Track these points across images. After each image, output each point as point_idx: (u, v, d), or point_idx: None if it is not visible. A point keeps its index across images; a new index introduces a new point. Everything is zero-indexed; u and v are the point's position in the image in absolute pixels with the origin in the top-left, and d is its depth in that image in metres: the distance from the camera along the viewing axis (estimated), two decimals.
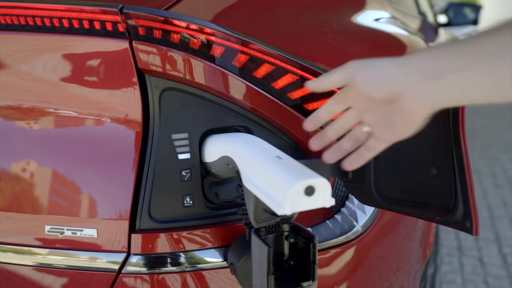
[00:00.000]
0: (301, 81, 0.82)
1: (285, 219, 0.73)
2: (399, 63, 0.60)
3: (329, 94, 0.85)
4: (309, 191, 0.61)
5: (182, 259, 0.78)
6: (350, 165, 0.70)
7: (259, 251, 0.69)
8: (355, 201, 0.92)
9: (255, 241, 0.71)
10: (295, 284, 0.70)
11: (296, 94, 0.83)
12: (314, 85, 0.67)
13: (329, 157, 0.72)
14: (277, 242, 0.73)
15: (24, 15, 0.76)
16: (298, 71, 0.82)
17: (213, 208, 0.81)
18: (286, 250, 0.73)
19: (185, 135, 0.78)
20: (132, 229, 0.77)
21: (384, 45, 1.25)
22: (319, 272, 0.84)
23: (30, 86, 0.79)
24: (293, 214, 0.74)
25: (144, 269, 0.77)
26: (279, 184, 0.63)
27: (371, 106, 0.64)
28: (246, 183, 0.69)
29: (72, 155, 0.79)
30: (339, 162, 0.82)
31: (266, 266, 0.68)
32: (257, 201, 0.68)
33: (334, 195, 0.92)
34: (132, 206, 0.77)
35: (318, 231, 0.86)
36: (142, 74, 0.76)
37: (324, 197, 0.63)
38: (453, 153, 0.63)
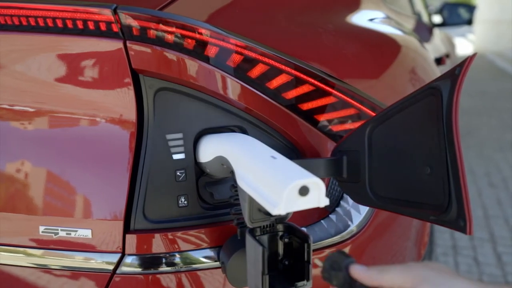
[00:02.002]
0: (296, 81, 0.82)
1: (280, 219, 0.73)
2: None
3: (323, 93, 0.86)
4: (304, 191, 0.61)
5: (177, 259, 0.78)
6: None
7: (254, 251, 0.70)
8: (350, 201, 0.92)
9: (249, 241, 0.71)
10: (289, 284, 0.70)
11: (291, 94, 0.83)
12: (364, 275, 0.60)
13: None
14: (271, 242, 0.73)
15: (18, 15, 0.76)
16: (293, 71, 0.82)
17: (208, 208, 0.81)
18: (281, 250, 0.73)
19: (179, 135, 0.78)
20: (126, 230, 0.77)
21: (379, 45, 1.26)
22: (314, 272, 0.84)
23: (24, 86, 0.79)
24: (287, 214, 0.74)
25: (139, 270, 0.77)
26: (273, 184, 0.63)
27: None
28: (241, 183, 0.69)
29: (67, 155, 0.79)
30: (333, 162, 0.82)
31: (261, 266, 0.68)
32: (251, 201, 0.69)
33: (328, 195, 0.92)
34: (127, 206, 0.77)
35: (313, 231, 0.86)
36: (136, 74, 0.75)
37: (318, 197, 0.63)
38: (447, 152, 0.64)
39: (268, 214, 0.70)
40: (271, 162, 0.68)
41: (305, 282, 0.71)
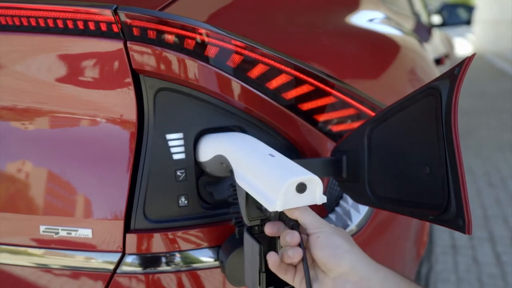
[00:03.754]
0: (295, 81, 0.83)
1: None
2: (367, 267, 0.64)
3: (323, 93, 0.86)
4: (301, 188, 0.62)
5: (177, 258, 0.78)
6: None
7: (251, 249, 0.70)
8: (350, 200, 0.92)
9: (247, 239, 0.71)
10: (286, 282, 0.70)
11: (291, 94, 0.83)
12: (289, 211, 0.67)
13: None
14: (269, 240, 0.73)
15: (19, 15, 0.76)
16: (292, 71, 0.82)
17: (208, 208, 0.82)
18: (278, 248, 0.74)
19: (179, 135, 0.79)
20: (127, 229, 0.77)
21: (378, 46, 1.26)
22: None
23: (25, 86, 0.79)
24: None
25: (139, 269, 0.77)
26: (271, 181, 0.63)
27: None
28: (239, 181, 0.70)
29: (67, 155, 0.79)
30: (333, 161, 0.83)
31: (258, 263, 0.68)
32: (249, 199, 0.69)
33: (328, 194, 0.92)
34: (127, 206, 0.77)
35: None
36: (136, 74, 0.76)
37: (315, 194, 0.64)
38: (446, 151, 0.64)
39: (266, 212, 0.70)
40: (269, 160, 0.68)
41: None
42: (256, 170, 0.67)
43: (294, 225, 0.66)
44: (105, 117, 0.78)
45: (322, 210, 0.89)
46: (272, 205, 0.61)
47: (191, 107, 0.79)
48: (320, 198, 0.64)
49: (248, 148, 0.73)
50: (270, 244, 0.73)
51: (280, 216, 0.69)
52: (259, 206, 0.70)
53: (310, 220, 0.66)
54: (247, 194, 0.68)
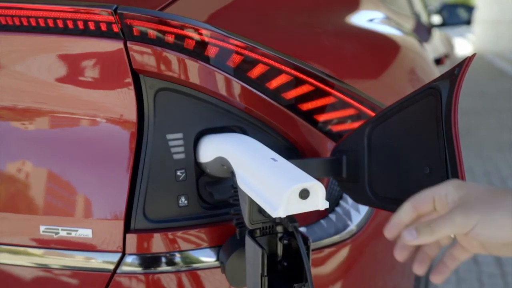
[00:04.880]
0: (295, 81, 0.83)
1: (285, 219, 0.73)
2: None
3: (323, 93, 0.86)
4: (304, 194, 0.62)
5: (177, 259, 0.78)
6: (439, 277, 0.64)
7: (253, 252, 0.70)
8: (350, 200, 0.92)
9: (249, 242, 0.71)
10: (288, 286, 0.70)
11: (291, 94, 0.83)
12: (416, 241, 0.59)
13: (419, 268, 0.66)
14: (270, 243, 0.73)
15: (19, 15, 0.76)
16: (293, 71, 0.82)
17: (208, 208, 0.81)
18: (280, 251, 0.73)
19: (179, 135, 0.79)
20: (127, 229, 0.77)
21: (378, 46, 1.26)
22: (313, 271, 0.84)
23: (25, 86, 0.79)
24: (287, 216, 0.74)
25: (139, 269, 0.77)
26: (274, 187, 0.63)
27: None
28: (241, 184, 0.70)
29: (67, 155, 0.79)
30: (333, 162, 0.83)
31: (260, 267, 0.68)
32: (251, 202, 0.69)
33: (328, 194, 0.92)
34: (127, 206, 0.77)
35: (313, 231, 0.86)
36: (136, 75, 0.76)
37: (318, 200, 0.64)
38: (446, 151, 0.64)
39: (268, 216, 0.70)
40: (272, 165, 0.68)
41: (303, 284, 0.71)
42: (259, 174, 0.67)
43: (294, 227, 0.66)
44: (105, 117, 0.78)
45: (322, 211, 0.89)
46: (275, 211, 0.61)
47: (191, 107, 0.79)
48: (323, 204, 0.64)
49: (250, 151, 0.73)
50: (272, 247, 0.73)
51: (280, 219, 0.69)
52: (261, 210, 0.69)
53: (455, 229, 0.57)
54: (249, 198, 0.68)
